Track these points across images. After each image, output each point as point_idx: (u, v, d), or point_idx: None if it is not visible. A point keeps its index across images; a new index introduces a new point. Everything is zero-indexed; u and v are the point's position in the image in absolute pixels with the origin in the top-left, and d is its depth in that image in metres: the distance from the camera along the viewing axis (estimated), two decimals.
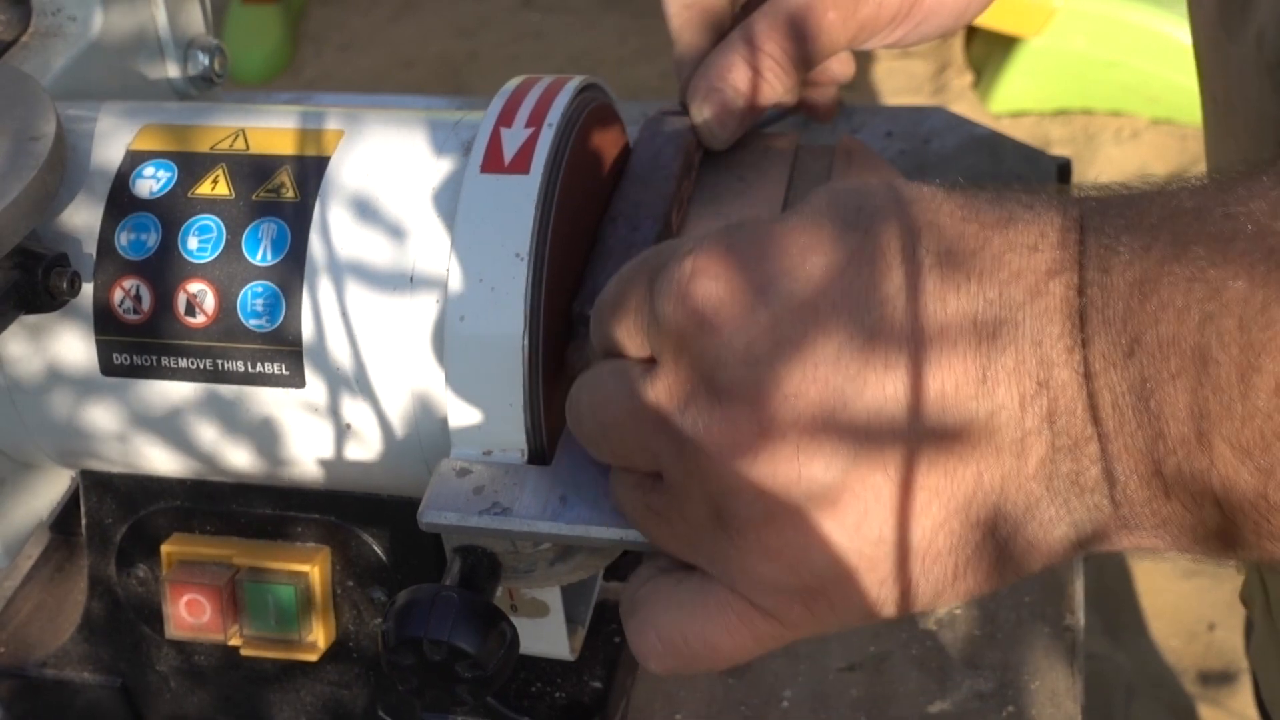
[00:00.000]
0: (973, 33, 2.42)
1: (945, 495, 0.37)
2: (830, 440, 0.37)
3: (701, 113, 0.59)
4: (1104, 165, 2.25)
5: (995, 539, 0.38)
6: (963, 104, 2.34)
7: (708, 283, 0.39)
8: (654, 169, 0.57)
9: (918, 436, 0.37)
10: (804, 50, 0.58)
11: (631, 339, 0.43)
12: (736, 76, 0.58)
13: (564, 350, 0.52)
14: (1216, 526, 0.36)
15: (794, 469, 0.38)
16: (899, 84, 2.40)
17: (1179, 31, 2.19)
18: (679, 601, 0.43)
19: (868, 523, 0.38)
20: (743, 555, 0.40)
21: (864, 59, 2.41)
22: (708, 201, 0.58)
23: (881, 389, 0.37)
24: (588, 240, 0.55)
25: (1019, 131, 2.19)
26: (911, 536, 0.38)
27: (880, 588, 0.39)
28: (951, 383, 0.37)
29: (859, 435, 0.37)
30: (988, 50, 2.37)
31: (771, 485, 0.38)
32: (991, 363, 0.36)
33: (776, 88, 0.59)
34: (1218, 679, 1.63)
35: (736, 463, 0.38)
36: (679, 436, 0.40)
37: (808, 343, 0.38)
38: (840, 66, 0.65)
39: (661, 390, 0.40)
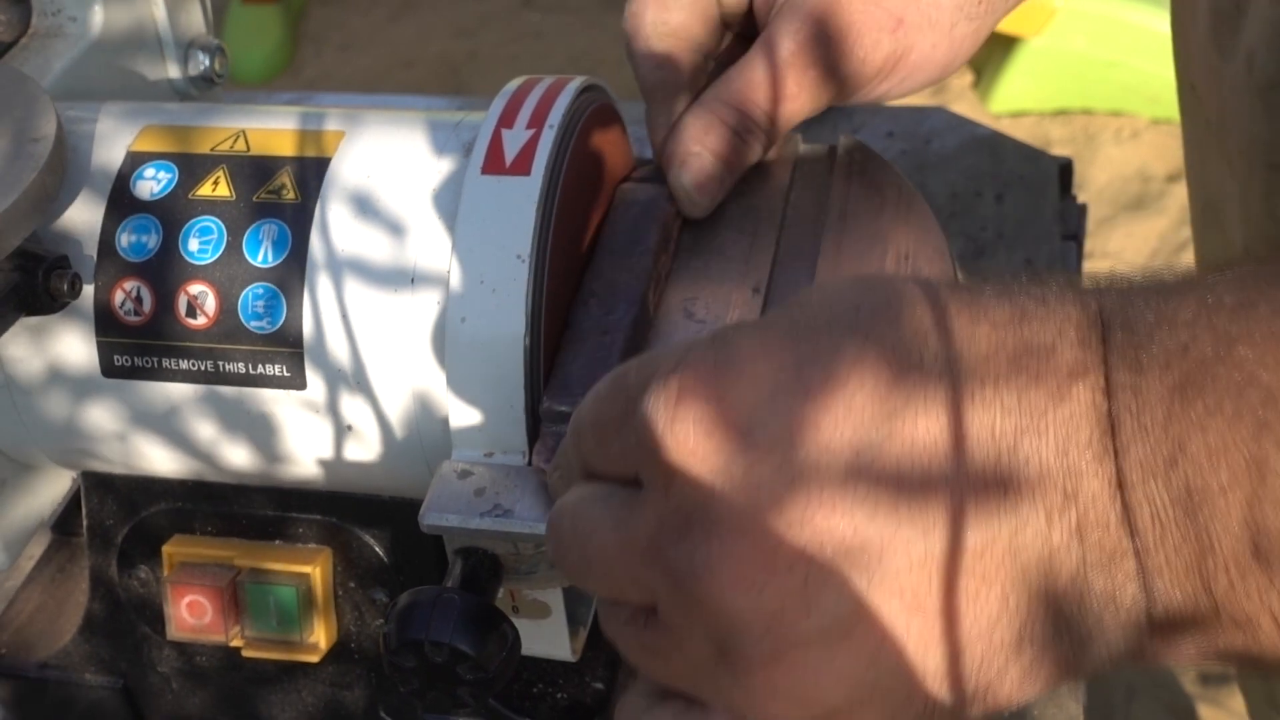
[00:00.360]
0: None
1: (967, 621, 0.35)
2: (841, 571, 0.35)
3: (680, 180, 0.56)
4: (1104, 165, 2.25)
5: (1021, 662, 0.36)
6: (963, 104, 2.34)
7: (695, 407, 0.36)
8: (630, 244, 0.54)
9: (934, 564, 0.35)
10: (783, 110, 0.56)
11: (614, 462, 0.40)
12: (714, 140, 0.56)
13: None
14: (1272, 645, 0.33)
15: (803, 603, 0.35)
16: None
17: None
18: None
19: (884, 651, 0.35)
20: (749, 694, 0.37)
21: None
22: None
23: (894, 513, 0.35)
24: (589, 244, 0.55)
25: (1019, 131, 2.19)
26: (924, 669, 0.35)
27: (895, 713, 0.37)
28: (972, 501, 0.34)
29: (871, 567, 0.35)
30: (987, 50, 2.37)
31: (779, 620, 0.35)
32: (1013, 476, 0.34)
33: (756, 150, 0.57)
34: (1218, 679, 1.63)
35: (740, 598, 0.35)
36: (675, 570, 0.37)
37: (810, 476, 0.35)
38: None
39: (652, 520, 0.37)
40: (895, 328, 0.36)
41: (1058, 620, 0.35)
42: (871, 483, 0.35)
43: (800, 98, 0.56)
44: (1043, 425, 0.34)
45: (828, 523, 0.35)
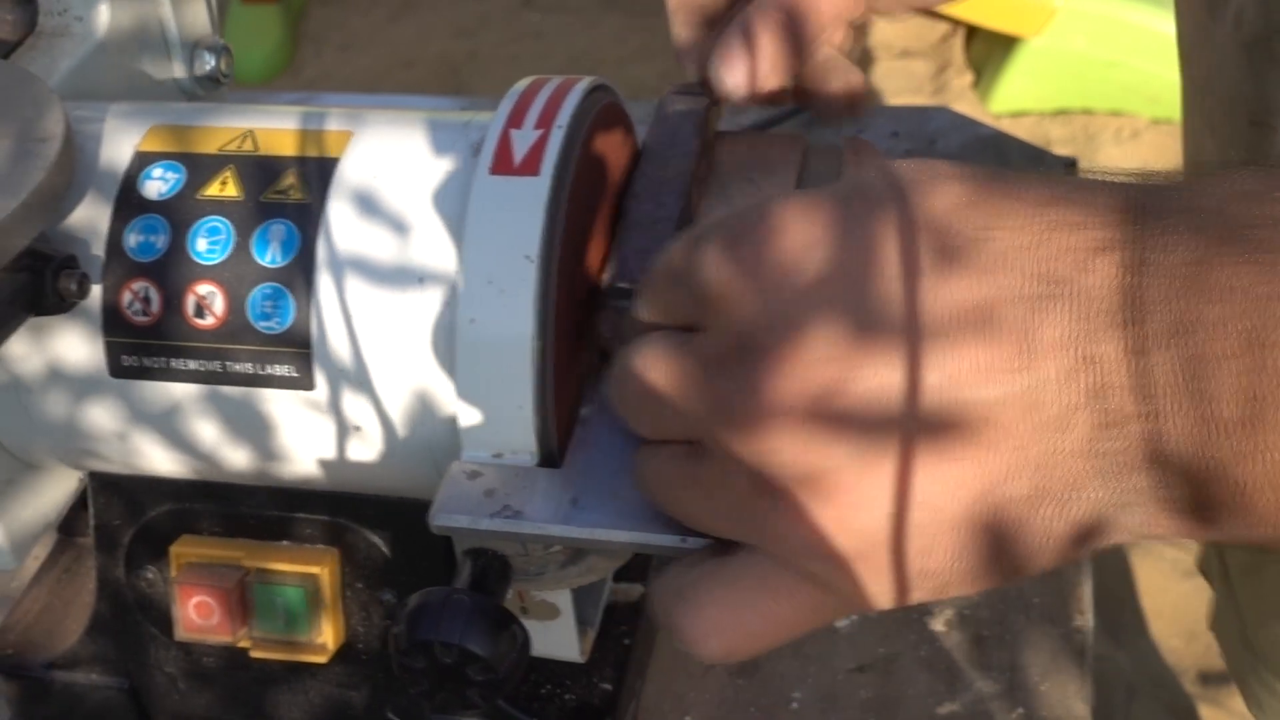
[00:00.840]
0: (973, 33, 2.42)
1: (987, 467, 0.37)
2: (870, 411, 0.37)
3: (719, 69, 0.57)
4: (1104, 165, 2.25)
5: (1040, 515, 0.38)
6: (963, 104, 2.34)
7: (750, 245, 0.40)
8: (672, 146, 0.57)
9: (952, 409, 0.37)
10: (829, 9, 0.58)
11: (676, 308, 0.43)
12: (763, 36, 0.57)
13: (574, 351, 0.52)
14: (1269, 509, 0.35)
15: (836, 428, 0.38)
16: (899, 84, 2.40)
17: None
18: (725, 581, 0.42)
19: (909, 484, 0.38)
20: (785, 521, 0.39)
21: (863, 60, 2.41)
22: (716, 198, 0.58)
23: (898, 370, 0.37)
24: (599, 241, 0.55)
25: (1019, 131, 2.19)
26: (950, 510, 0.38)
27: (920, 558, 0.39)
28: (985, 356, 0.36)
29: (895, 412, 0.37)
30: (988, 50, 2.37)
31: (813, 444, 0.38)
32: (1034, 335, 0.36)
33: (802, 43, 0.58)
34: (1218, 679, 1.63)
35: (777, 422, 0.38)
36: (720, 397, 0.40)
37: (822, 319, 0.38)
38: (850, 78, 0.64)
39: (699, 354, 0.41)
40: (931, 200, 0.39)
41: (1072, 478, 0.37)
42: (866, 340, 0.37)
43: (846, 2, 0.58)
44: (1068, 292, 0.36)
45: (832, 375, 0.37)
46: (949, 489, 0.37)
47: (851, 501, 0.38)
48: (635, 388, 0.44)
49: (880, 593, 0.40)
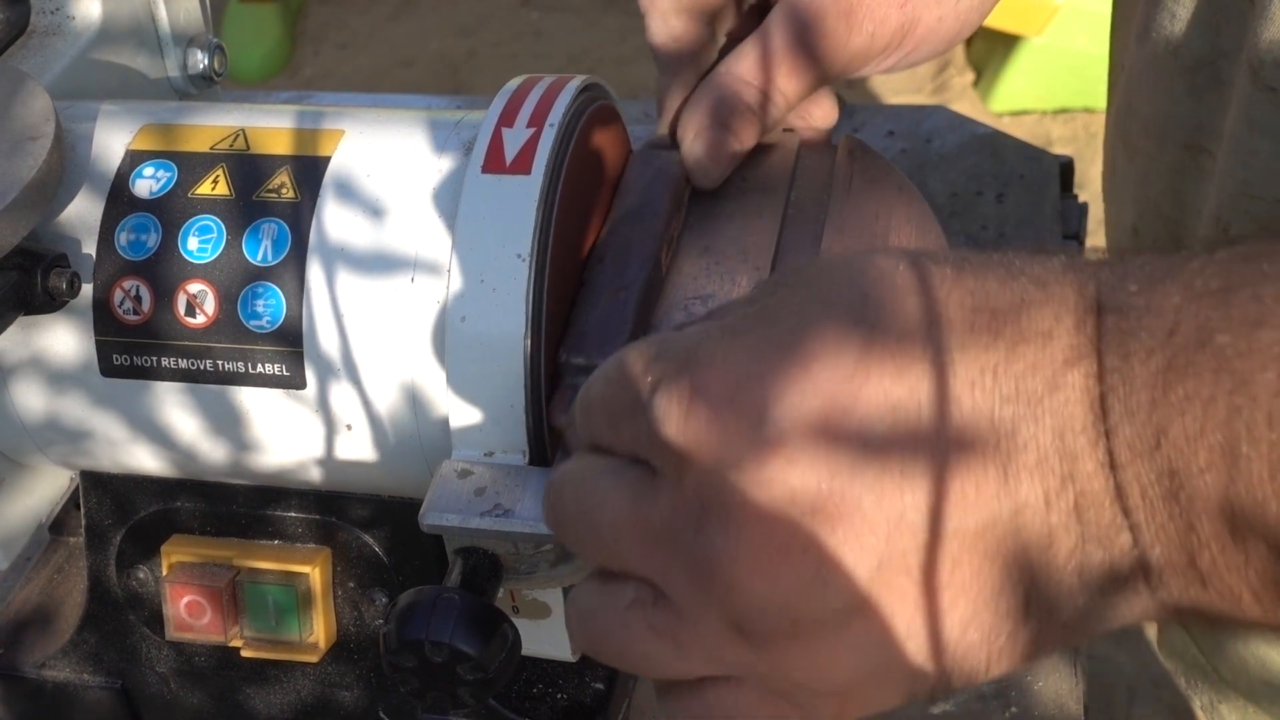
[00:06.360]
0: (974, 31, 2.42)
1: (973, 592, 0.36)
2: (850, 558, 0.36)
3: (693, 152, 0.57)
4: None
5: (1029, 626, 0.37)
6: (963, 103, 2.34)
7: (705, 406, 0.38)
8: (643, 207, 0.55)
9: (938, 543, 0.36)
10: (795, 83, 0.57)
11: (623, 444, 0.41)
12: (726, 114, 0.57)
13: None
14: (1259, 615, 0.35)
15: (818, 585, 0.37)
16: (899, 83, 2.40)
17: None
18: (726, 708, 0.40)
19: (894, 628, 0.37)
20: (770, 665, 0.39)
21: None
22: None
23: (900, 496, 0.36)
24: (592, 240, 0.55)
25: (1020, 130, 2.19)
26: (942, 635, 0.37)
27: (911, 682, 0.38)
28: (972, 484, 0.35)
29: (881, 549, 0.36)
30: (989, 49, 2.37)
31: (795, 603, 0.37)
32: (1013, 460, 0.35)
33: (762, 128, 0.58)
34: None
35: (757, 585, 0.37)
36: (691, 559, 0.38)
37: (821, 467, 0.36)
38: (822, 114, 0.62)
39: (666, 507, 0.38)
40: (903, 312, 0.37)
41: (1059, 590, 0.36)
42: (875, 475, 0.36)
43: (803, 76, 0.57)
44: (1040, 411, 0.35)
45: (837, 515, 0.36)
46: (970, 596, 0.37)
47: (834, 646, 0.37)
48: (583, 524, 0.41)
49: (918, 692, 0.39)
